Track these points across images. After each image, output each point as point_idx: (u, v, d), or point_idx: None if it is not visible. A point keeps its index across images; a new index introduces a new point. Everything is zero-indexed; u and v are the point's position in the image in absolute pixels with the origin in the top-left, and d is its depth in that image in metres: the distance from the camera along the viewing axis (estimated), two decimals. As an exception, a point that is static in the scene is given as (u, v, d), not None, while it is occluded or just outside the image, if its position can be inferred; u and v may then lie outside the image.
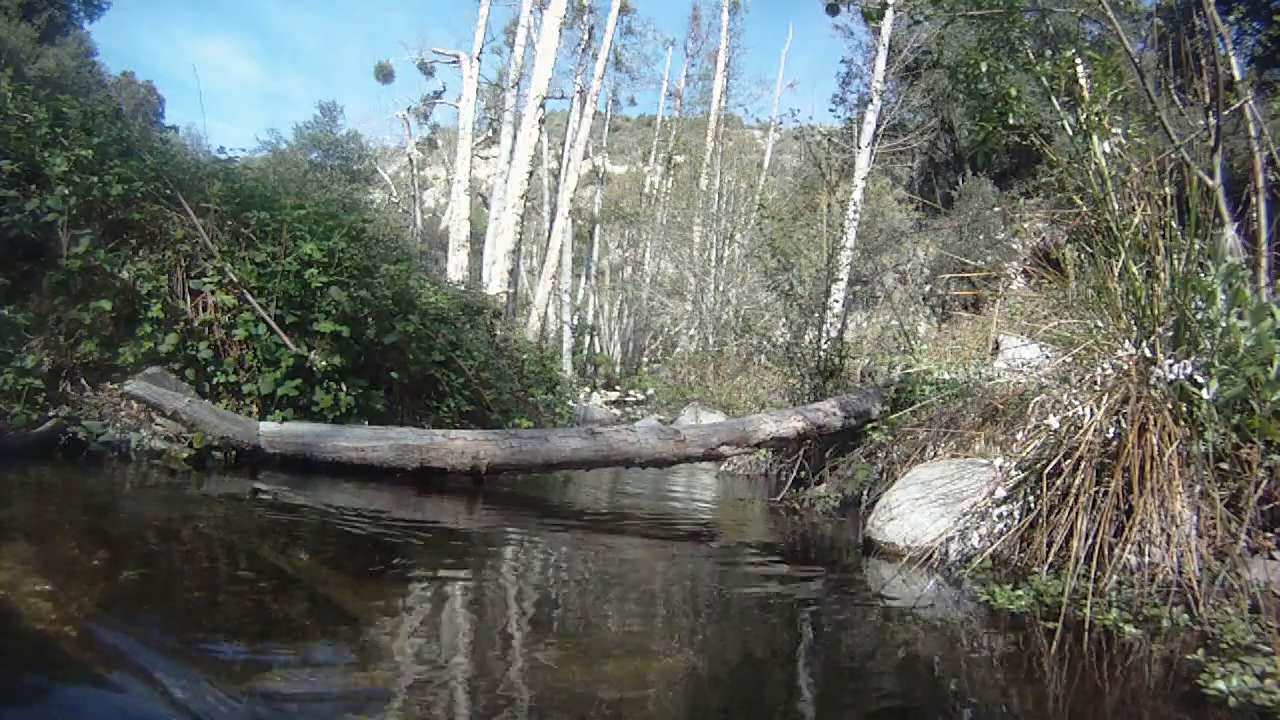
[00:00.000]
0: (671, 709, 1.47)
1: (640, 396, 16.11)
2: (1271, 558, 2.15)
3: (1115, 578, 2.17)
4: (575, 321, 23.86)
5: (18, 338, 3.30)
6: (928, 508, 2.76)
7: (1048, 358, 3.29)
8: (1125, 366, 2.47)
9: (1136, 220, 2.66)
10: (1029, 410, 2.78)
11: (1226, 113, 4.15)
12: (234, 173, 4.71)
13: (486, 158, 22.01)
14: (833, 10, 17.28)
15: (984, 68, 3.74)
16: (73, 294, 3.47)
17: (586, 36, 19.60)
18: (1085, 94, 3.15)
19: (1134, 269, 2.61)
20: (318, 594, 1.92)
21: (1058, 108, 3.29)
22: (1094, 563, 2.20)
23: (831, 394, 5.25)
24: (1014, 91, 3.71)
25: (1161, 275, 2.55)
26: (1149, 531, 2.19)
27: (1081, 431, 2.38)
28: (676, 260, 20.49)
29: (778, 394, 7.27)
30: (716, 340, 14.58)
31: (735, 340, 12.04)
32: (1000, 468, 2.67)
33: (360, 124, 38.14)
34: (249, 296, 3.79)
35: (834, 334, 7.59)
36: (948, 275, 13.85)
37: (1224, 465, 2.29)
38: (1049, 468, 2.42)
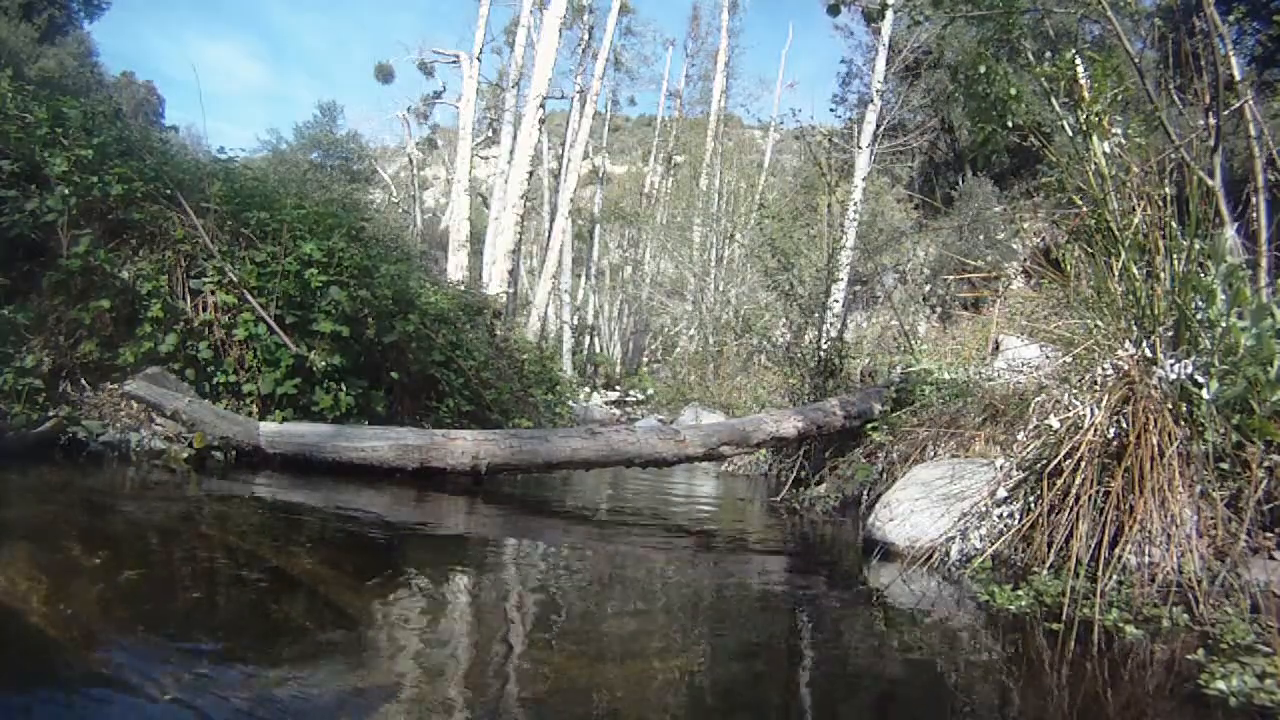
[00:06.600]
0: (672, 710, 1.46)
1: (640, 396, 16.11)
2: (1271, 558, 2.15)
3: (1115, 578, 2.17)
4: (575, 321, 23.86)
5: (18, 338, 3.30)
6: (928, 508, 2.76)
7: (1048, 358, 3.29)
8: (1126, 366, 2.47)
9: (1136, 220, 2.66)
10: (1030, 410, 2.78)
11: (1226, 113, 4.14)
12: (234, 173, 4.70)
13: (486, 158, 22.00)
14: (834, 11, 17.29)
15: (982, 70, 3.73)
16: (73, 294, 3.47)
17: (586, 36, 19.61)
18: (1085, 94, 3.15)
19: (1134, 269, 2.61)
20: (318, 594, 1.92)
21: (1058, 108, 3.29)
22: (1095, 563, 2.20)
23: (832, 394, 5.25)
24: (1014, 92, 3.71)
25: (1161, 275, 2.55)
26: (1149, 531, 2.19)
27: (1082, 431, 2.38)
28: (676, 260, 20.48)
29: (778, 394, 7.27)
30: (716, 340, 14.57)
31: (735, 340, 12.04)
32: (1001, 468, 2.67)
33: (360, 124, 38.25)
34: (249, 296, 3.79)
35: (834, 334, 7.59)
36: (948, 275, 13.86)
37: (1224, 465, 2.29)
38: (1049, 468, 2.42)
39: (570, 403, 9.37)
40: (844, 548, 3.40)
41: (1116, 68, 3.23)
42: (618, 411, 13.89)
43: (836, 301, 9.71)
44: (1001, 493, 2.61)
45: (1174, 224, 2.58)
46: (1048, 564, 2.33)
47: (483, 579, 2.34)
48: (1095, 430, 2.36)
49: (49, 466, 2.99)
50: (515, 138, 13.38)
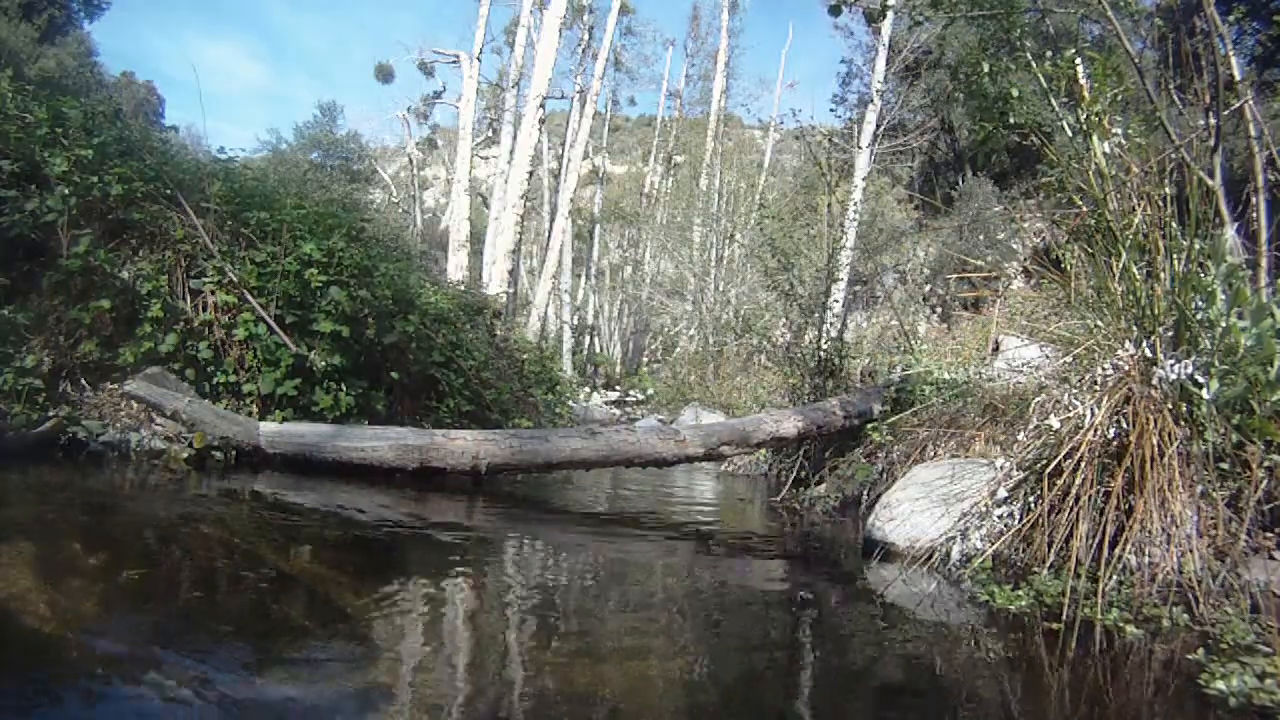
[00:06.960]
0: (672, 710, 1.46)
1: (640, 396, 16.11)
2: (1271, 558, 2.15)
3: (1116, 578, 2.17)
4: (575, 321, 23.87)
5: (18, 338, 3.30)
6: (928, 508, 2.76)
7: (1048, 358, 3.29)
8: (1126, 366, 2.47)
9: (1136, 220, 2.66)
10: (1030, 410, 2.78)
11: (1226, 113, 4.15)
12: (234, 173, 4.70)
13: (486, 158, 22.00)
14: (835, 11, 17.31)
15: (985, 67, 3.74)
16: (73, 294, 3.47)
17: (586, 36, 19.62)
18: (1085, 94, 3.15)
19: (1134, 269, 2.61)
20: (318, 594, 1.92)
21: (1058, 108, 3.29)
22: (1095, 563, 2.20)
23: (832, 394, 5.25)
24: (1015, 91, 3.71)
25: (1161, 275, 2.55)
26: (1149, 531, 2.19)
27: (1082, 431, 2.38)
28: (676, 260, 20.49)
29: (778, 394, 7.26)
30: (716, 340, 14.56)
31: (735, 340, 12.04)
32: (1001, 468, 2.67)
33: (360, 124, 38.29)
34: (249, 296, 3.79)
35: (834, 334, 7.59)
36: (948, 275, 13.87)
37: (1224, 465, 2.29)
38: (1050, 468, 2.42)
39: (570, 403, 9.36)
40: (844, 548, 3.40)
41: (1116, 68, 3.23)
42: (618, 411, 13.89)
43: (836, 301, 9.73)
44: (1001, 493, 2.61)
45: (1174, 224, 2.58)
46: (1048, 564, 2.33)
47: (483, 579, 2.34)
48: (1095, 430, 2.36)
49: (49, 466, 2.99)
50: (515, 138, 13.38)
